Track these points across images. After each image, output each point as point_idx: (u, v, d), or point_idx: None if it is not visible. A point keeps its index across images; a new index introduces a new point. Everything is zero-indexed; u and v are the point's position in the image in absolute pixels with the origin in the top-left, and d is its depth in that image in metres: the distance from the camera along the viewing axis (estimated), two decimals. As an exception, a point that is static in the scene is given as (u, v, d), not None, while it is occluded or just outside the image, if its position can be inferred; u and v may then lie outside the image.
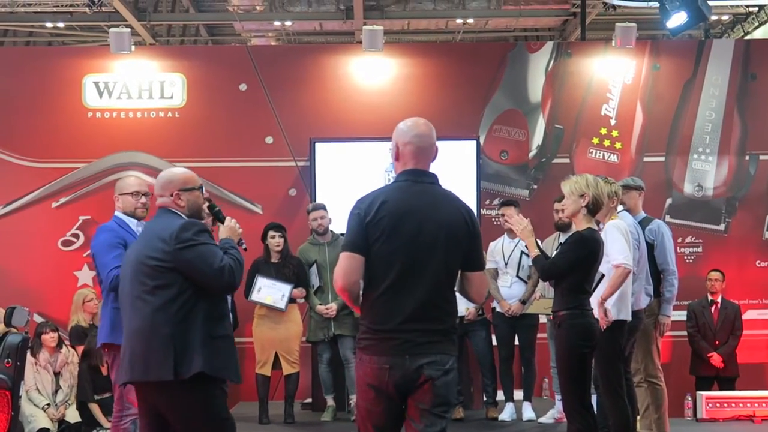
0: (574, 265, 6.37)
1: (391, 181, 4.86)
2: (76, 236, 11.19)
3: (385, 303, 4.56)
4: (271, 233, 9.52)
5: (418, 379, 4.51)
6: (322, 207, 9.64)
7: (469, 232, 4.69)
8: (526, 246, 7.05)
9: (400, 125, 4.83)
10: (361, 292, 4.64)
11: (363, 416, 4.67)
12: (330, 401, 9.65)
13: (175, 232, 5.06)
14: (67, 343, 9.99)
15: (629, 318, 7.15)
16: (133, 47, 11.33)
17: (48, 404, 9.63)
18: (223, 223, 5.52)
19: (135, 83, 11.37)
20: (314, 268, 9.61)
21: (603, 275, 6.75)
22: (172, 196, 5.28)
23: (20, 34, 19.68)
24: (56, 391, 9.75)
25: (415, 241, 4.57)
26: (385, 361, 4.51)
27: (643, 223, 8.14)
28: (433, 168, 4.87)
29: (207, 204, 5.53)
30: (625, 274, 6.89)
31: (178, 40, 19.97)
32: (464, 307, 8.69)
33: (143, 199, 6.71)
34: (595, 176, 6.83)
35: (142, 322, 5.05)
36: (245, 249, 5.51)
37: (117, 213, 6.71)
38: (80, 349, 9.84)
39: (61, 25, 17.85)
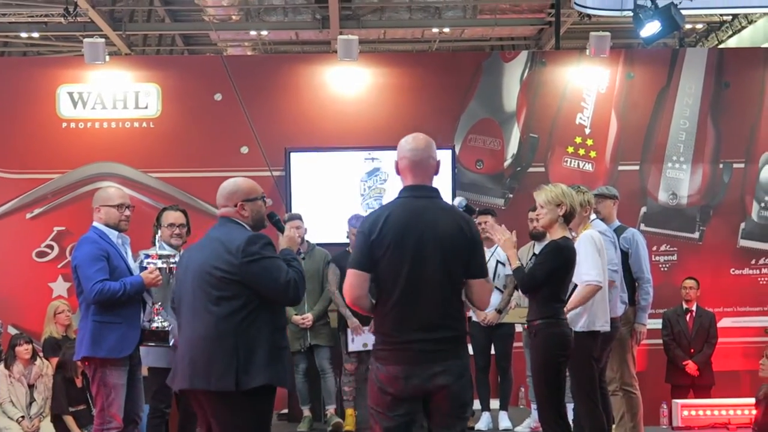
0: (551, 275, 6.38)
1: (395, 196, 5.01)
2: (51, 247, 11.13)
3: (396, 314, 4.81)
4: None
5: (434, 387, 4.76)
6: (298, 217, 9.61)
7: (469, 241, 4.90)
8: (504, 256, 7.06)
9: (401, 141, 5.07)
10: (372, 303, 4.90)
11: (376, 420, 4.86)
12: (306, 412, 9.61)
13: (242, 245, 5.14)
14: (41, 355, 9.93)
15: (607, 328, 7.16)
16: (107, 57, 11.27)
17: (22, 416, 9.57)
18: (282, 232, 5.59)
19: (110, 93, 11.33)
20: None
21: (576, 285, 6.77)
22: (236, 206, 5.36)
23: (-6, 44, 19.61)
24: (30, 404, 9.69)
25: (418, 254, 4.80)
26: (401, 370, 4.75)
27: (618, 232, 8.16)
28: None
29: (267, 213, 5.60)
30: (594, 291, 6.90)
31: (153, 50, 19.93)
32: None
33: (127, 212, 6.73)
34: (568, 185, 6.84)
35: (206, 331, 5.10)
36: (303, 258, 5.63)
37: (96, 224, 6.68)
38: (54, 360, 9.78)
39: (36, 35, 17.80)
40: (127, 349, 6.53)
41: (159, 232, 7.36)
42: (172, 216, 7.62)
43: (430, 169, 4.97)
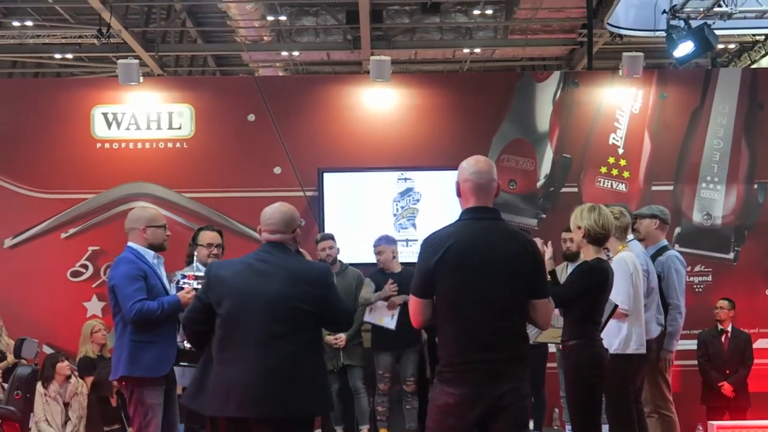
0: (580, 294, 6.35)
1: (456, 219, 5.05)
2: (85, 267, 11.17)
3: (459, 336, 4.84)
4: None
5: (499, 407, 4.75)
6: (330, 237, 9.63)
7: (532, 262, 4.93)
8: None
9: (462, 163, 5.07)
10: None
11: None
12: (339, 431, 9.63)
13: (322, 276, 5.31)
14: (76, 374, 9.97)
15: (642, 351, 7.13)
16: (141, 78, 11.35)
17: (57, 435, 9.62)
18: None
19: (143, 114, 11.40)
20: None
21: (616, 305, 6.73)
22: (293, 232, 5.42)
23: (29, 65, 19.82)
24: (65, 422, 9.73)
25: (481, 275, 4.81)
26: (468, 392, 4.78)
27: (656, 254, 8.11)
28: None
29: None
30: (618, 315, 6.87)
31: (186, 70, 20.08)
32: None
33: (168, 232, 6.77)
34: (607, 205, 6.82)
35: (279, 361, 5.12)
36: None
37: (132, 245, 6.71)
38: (89, 380, 9.82)
39: (69, 56, 17.96)
40: (164, 369, 6.56)
41: (195, 251, 7.40)
42: (209, 236, 7.70)
43: (492, 191, 5.01)
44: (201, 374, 5.36)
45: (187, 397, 5.42)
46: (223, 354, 5.25)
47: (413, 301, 4.98)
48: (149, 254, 6.71)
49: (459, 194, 5.03)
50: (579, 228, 6.51)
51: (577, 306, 6.38)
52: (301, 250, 5.58)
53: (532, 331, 8.90)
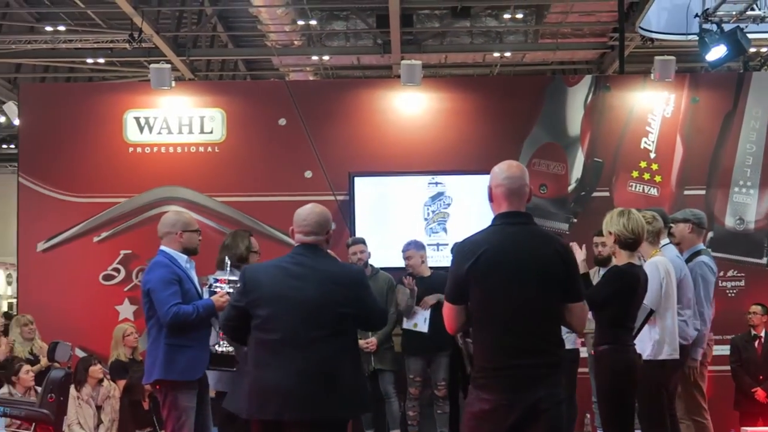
0: (608, 298, 6.31)
1: (489, 224, 5.02)
2: (117, 270, 11.22)
3: (494, 341, 4.81)
4: None
5: (534, 413, 4.70)
6: (362, 241, 9.64)
7: (564, 264, 4.89)
8: None
9: (494, 168, 5.04)
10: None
11: None
12: (370, 435, 9.65)
13: (357, 278, 5.38)
14: (108, 377, 10.02)
15: (676, 356, 7.09)
16: (173, 83, 11.41)
17: (90, 438, 9.67)
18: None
19: (175, 118, 11.44)
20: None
21: (652, 311, 6.70)
22: (327, 234, 5.44)
23: (61, 70, 19.94)
24: (98, 425, 9.76)
25: (514, 280, 4.78)
26: (503, 398, 4.73)
27: (689, 259, 8.05)
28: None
29: None
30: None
31: (216, 74, 20.16)
32: None
33: (200, 236, 6.85)
34: (639, 209, 6.80)
35: (317, 365, 5.17)
36: None
37: (166, 249, 6.74)
38: (121, 383, 9.86)
39: (101, 60, 18.06)
40: (199, 372, 6.60)
41: (226, 257, 7.39)
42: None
43: (525, 196, 4.97)
44: (239, 377, 5.42)
45: (226, 401, 5.49)
46: (259, 357, 5.28)
47: (447, 308, 4.97)
48: (182, 258, 6.75)
49: (491, 199, 5.00)
50: (610, 233, 6.49)
51: (608, 310, 6.34)
52: (330, 252, 5.59)
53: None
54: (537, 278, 4.79)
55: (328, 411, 5.14)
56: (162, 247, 6.78)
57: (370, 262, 9.65)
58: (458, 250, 4.95)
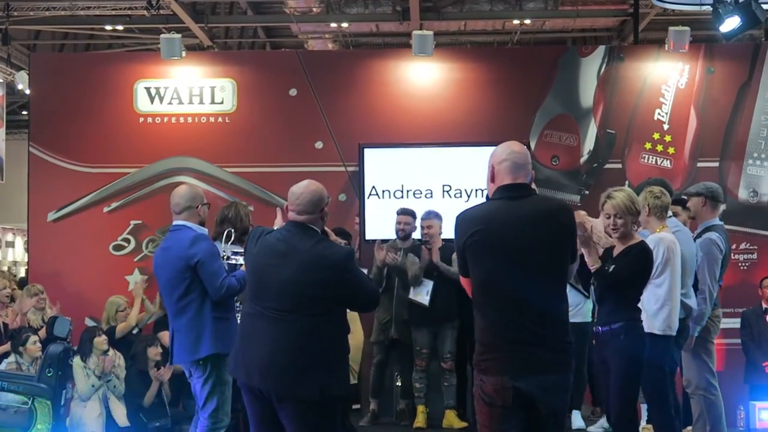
0: (637, 276, 6.31)
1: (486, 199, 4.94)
2: (128, 241, 11.25)
3: (497, 321, 4.66)
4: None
5: (540, 395, 4.57)
6: (410, 213, 9.74)
7: (569, 236, 4.78)
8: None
9: (495, 149, 4.89)
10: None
11: None
12: (373, 405, 9.65)
13: (339, 261, 5.24)
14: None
15: (670, 333, 7.05)
16: (184, 53, 11.36)
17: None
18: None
19: (186, 88, 11.42)
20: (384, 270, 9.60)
21: None
22: (321, 211, 5.38)
23: (81, 36, 19.90)
24: (105, 395, 9.75)
25: (515, 259, 4.63)
26: (507, 380, 4.56)
27: (701, 234, 8.00)
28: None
29: None
30: None
31: (235, 42, 20.09)
32: None
33: None
34: (647, 180, 6.77)
35: (288, 341, 5.16)
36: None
37: (187, 223, 6.64)
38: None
39: (120, 27, 18.01)
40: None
41: (231, 229, 7.29)
42: None
43: (529, 173, 4.83)
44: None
45: (229, 367, 5.61)
46: (243, 328, 5.45)
47: (462, 279, 4.87)
48: (205, 231, 6.68)
49: (492, 179, 4.83)
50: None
51: (631, 287, 6.30)
52: (326, 229, 5.54)
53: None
54: (540, 256, 4.63)
55: (295, 388, 5.11)
56: (183, 222, 6.62)
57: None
58: (458, 222, 4.82)
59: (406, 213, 9.71)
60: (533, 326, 4.60)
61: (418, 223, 9.70)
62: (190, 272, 6.46)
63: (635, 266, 6.31)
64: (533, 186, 4.97)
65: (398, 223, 9.65)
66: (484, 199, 5.03)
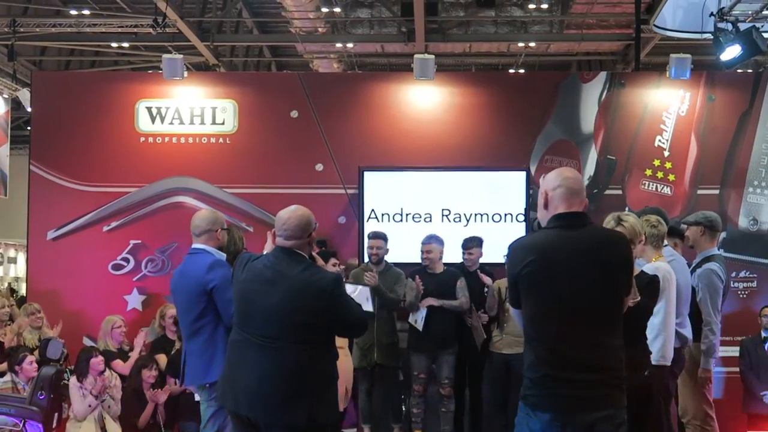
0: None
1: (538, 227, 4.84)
2: (126, 260, 11.26)
3: (548, 355, 4.50)
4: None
5: None
6: (382, 237, 9.65)
7: (627, 268, 4.65)
8: None
9: (547, 175, 4.79)
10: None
11: None
12: (366, 431, 9.62)
13: (327, 288, 5.21)
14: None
15: (664, 363, 7.03)
16: (185, 73, 11.40)
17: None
18: (327, 261, 5.65)
19: (187, 109, 11.46)
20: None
21: None
22: (309, 236, 5.38)
23: (87, 53, 20.01)
24: (100, 415, 9.75)
25: (573, 289, 4.49)
26: (556, 417, 4.42)
27: (699, 264, 7.98)
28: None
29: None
30: None
31: (241, 61, 20.15)
32: None
33: None
34: (644, 210, 6.74)
35: (276, 369, 5.17)
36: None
37: (206, 246, 6.62)
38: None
39: (126, 45, 18.11)
40: None
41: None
42: None
43: (584, 200, 4.70)
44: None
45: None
46: (230, 356, 5.45)
47: (514, 312, 4.76)
48: (222, 256, 6.66)
49: (545, 206, 4.70)
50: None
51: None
52: (314, 254, 5.55)
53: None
54: (595, 291, 4.50)
55: (282, 415, 5.12)
56: (203, 246, 6.62)
57: (386, 258, 9.63)
58: (512, 250, 4.70)
59: (378, 237, 9.63)
60: (587, 362, 4.47)
61: (390, 245, 9.65)
62: (205, 297, 6.45)
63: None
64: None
65: (370, 247, 9.58)
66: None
